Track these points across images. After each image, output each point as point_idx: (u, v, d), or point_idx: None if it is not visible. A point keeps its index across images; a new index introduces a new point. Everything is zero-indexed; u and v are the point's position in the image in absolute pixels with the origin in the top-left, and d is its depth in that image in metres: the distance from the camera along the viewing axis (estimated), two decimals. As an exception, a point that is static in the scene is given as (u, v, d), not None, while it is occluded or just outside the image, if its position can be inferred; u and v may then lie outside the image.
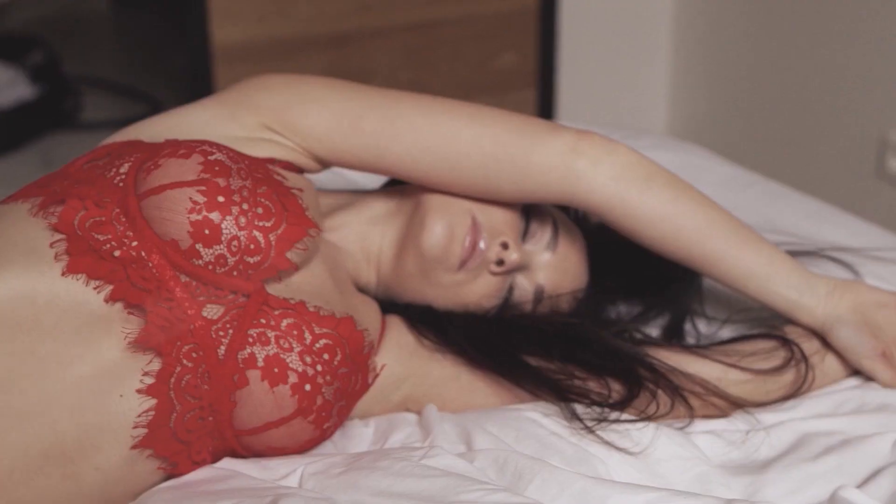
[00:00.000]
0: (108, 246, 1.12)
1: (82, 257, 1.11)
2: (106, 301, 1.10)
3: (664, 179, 1.30)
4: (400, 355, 1.32)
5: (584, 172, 1.29)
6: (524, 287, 1.37)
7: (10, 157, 3.36)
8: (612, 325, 1.39)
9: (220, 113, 1.30)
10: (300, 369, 1.14)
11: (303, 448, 1.21)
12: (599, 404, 1.26)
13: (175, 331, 1.11)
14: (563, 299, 1.38)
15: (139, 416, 1.10)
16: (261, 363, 1.13)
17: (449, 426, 1.26)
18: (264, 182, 1.19)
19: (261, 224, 1.15)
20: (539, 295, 1.37)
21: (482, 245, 1.33)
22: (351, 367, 1.20)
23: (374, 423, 1.31)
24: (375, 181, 1.58)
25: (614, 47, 3.23)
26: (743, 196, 1.75)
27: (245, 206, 1.15)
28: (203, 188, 1.13)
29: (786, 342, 1.32)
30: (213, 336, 1.13)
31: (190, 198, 1.13)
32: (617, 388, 1.28)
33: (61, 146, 3.43)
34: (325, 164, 1.36)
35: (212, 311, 1.13)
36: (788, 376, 1.31)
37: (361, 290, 1.39)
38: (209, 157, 1.17)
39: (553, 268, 1.38)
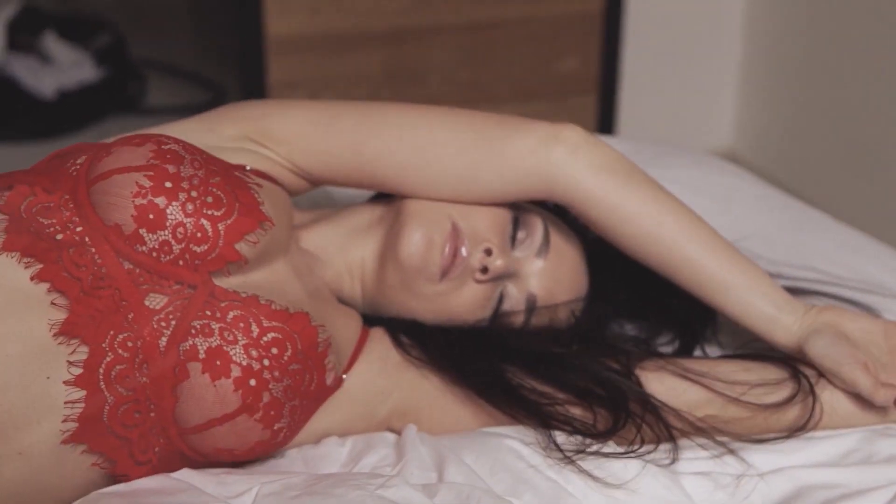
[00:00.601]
0: (52, 230, 1.10)
1: (20, 236, 1.08)
2: (32, 279, 1.07)
3: (644, 177, 1.27)
4: (384, 368, 1.27)
5: (563, 159, 1.25)
6: (514, 296, 1.30)
7: (69, 139, 3.34)
8: (609, 346, 1.30)
9: (198, 127, 1.30)
10: (244, 363, 1.09)
11: (254, 451, 1.15)
12: (582, 433, 1.19)
13: (107, 321, 1.07)
14: (559, 312, 1.31)
15: (67, 404, 1.06)
16: (202, 355, 1.09)
17: (425, 450, 1.20)
18: (219, 174, 1.16)
19: (209, 213, 1.12)
20: (531, 304, 1.30)
21: (464, 252, 1.27)
22: (304, 364, 1.14)
23: (352, 442, 1.25)
24: (361, 197, 1.52)
25: (680, 56, 3.15)
26: (774, 218, 1.66)
27: (194, 194, 1.12)
28: (151, 173, 1.11)
29: (796, 373, 1.22)
30: (155, 327, 1.09)
31: (136, 182, 1.11)
32: (603, 415, 1.20)
33: (121, 130, 3.37)
34: (305, 176, 1.32)
35: (154, 301, 1.10)
36: (793, 412, 1.22)
37: (346, 303, 1.34)
38: (162, 147, 1.14)
39: (545, 275, 1.31)
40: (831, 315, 1.24)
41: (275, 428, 1.13)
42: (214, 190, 1.14)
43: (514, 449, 1.19)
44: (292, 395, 1.14)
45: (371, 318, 1.33)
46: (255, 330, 1.11)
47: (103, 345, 1.07)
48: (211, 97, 3.56)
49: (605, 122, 3.04)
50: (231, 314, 1.11)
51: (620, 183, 1.25)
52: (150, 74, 3.68)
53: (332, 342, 1.19)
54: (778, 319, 1.24)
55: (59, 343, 1.06)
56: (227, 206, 1.14)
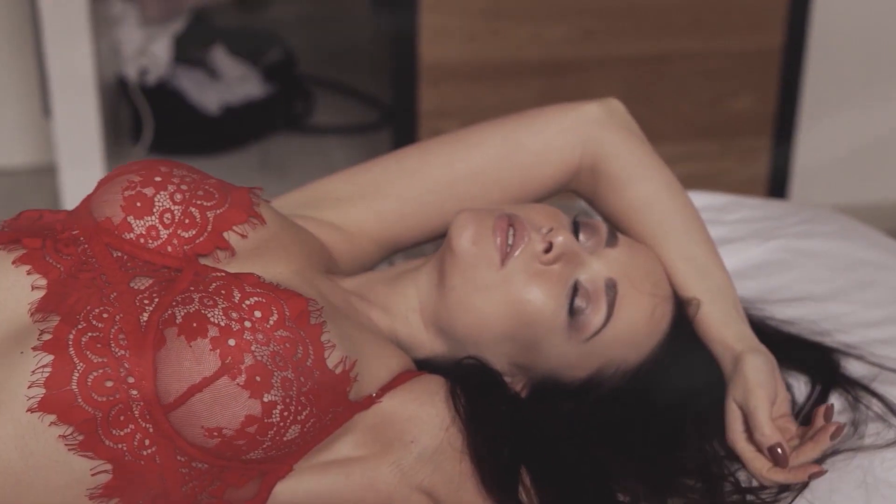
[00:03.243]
0: (48, 231, 1.12)
1: (15, 230, 1.12)
2: (14, 263, 1.08)
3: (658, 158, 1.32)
4: (430, 425, 1.13)
5: (598, 113, 1.32)
6: (591, 284, 1.17)
7: (231, 155, 3.33)
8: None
9: None
10: (223, 323, 1.03)
11: (248, 435, 1.03)
12: None
13: (86, 297, 1.06)
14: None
15: (35, 371, 1.02)
16: (179, 320, 1.03)
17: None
18: (215, 179, 1.18)
19: (199, 202, 1.14)
20: (612, 291, 1.17)
21: (522, 233, 1.17)
22: (293, 333, 1.05)
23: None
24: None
25: (865, 98, 2.93)
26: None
27: (184, 187, 1.14)
28: (143, 171, 1.15)
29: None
30: (137, 304, 1.06)
31: (127, 179, 1.14)
32: None
33: (281, 149, 3.38)
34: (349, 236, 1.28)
35: (139, 283, 1.08)
36: None
37: (406, 345, 1.23)
38: (165, 161, 1.18)
39: (620, 260, 1.19)
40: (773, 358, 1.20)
41: (265, 400, 1.02)
42: (207, 186, 1.15)
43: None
44: (282, 363, 1.04)
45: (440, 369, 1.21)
46: (237, 295, 1.06)
47: (78, 316, 1.04)
48: (378, 118, 3.49)
49: (779, 167, 2.84)
50: (214, 285, 1.07)
51: (642, 141, 1.31)
52: (318, 92, 3.64)
53: (355, 353, 1.11)
54: (737, 322, 1.22)
55: (36, 321, 1.05)
56: (218, 199, 1.15)
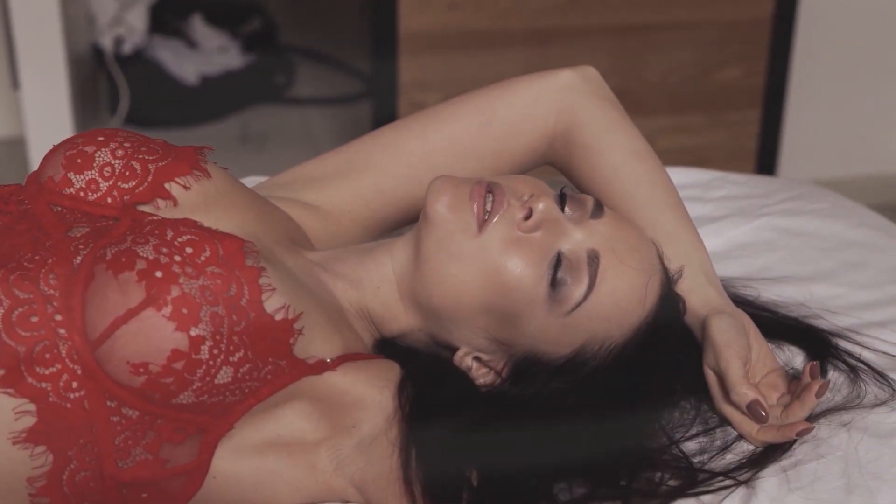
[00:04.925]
0: None
1: None
2: None
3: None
4: (374, 413, 1.08)
5: (573, 79, 1.30)
6: (573, 255, 1.11)
7: (208, 128, 3.26)
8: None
9: None
10: (151, 257, 1.02)
11: (176, 371, 0.99)
12: None
13: (20, 245, 1.05)
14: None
15: None
16: (109, 257, 1.02)
17: None
18: (162, 140, 1.17)
19: (141, 157, 1.14)
20: (594, 262, 1.11)
21: (501, 198, 1.12)
22: (226, 271, 1.03)
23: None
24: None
25: (856, 70, 2.88)
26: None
27: (127, 144, 1.14)
28: (87, 134, 1.15)
29: None
30: (72, 249, 1.05)
31: (70, 141, 1.15)
32: None
33: (261, 121, 3.31)
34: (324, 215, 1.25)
35: (77, 232, 1.08)
36: None
37: (387, 320, 1.18)
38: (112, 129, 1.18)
39: (605, 232, 1.13)
40: (747, 317, 1.20)
41: (192, 334, 0.99)
42: (151, 144, 1.15)
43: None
44: (212, 298, 1.01)
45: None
46: (170, 234, 1.05)
47: (10, 263, 1.03)
48: (361, 89, 3.43)
49: (768, 139, 2.80)
50: (148, 227, 1.06)
51: (618, 113, 1.30)
52: (299, 63, 3.57)
53: (303, 309, 1.07)
54: (704, 286, 1.21)
55: None
56: (161, 153, 1.14)
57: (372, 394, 1.08)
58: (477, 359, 1.14)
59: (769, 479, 1.09)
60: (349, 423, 1.07)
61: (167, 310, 0.99)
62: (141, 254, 1.01)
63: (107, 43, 3.13)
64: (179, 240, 1.03)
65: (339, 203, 1.30)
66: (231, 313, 1.01)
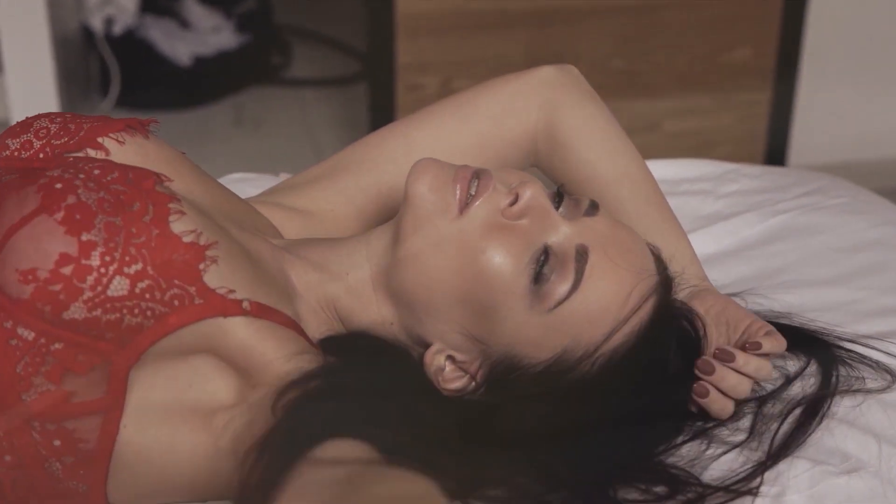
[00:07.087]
0: None
1: None
2: None
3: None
4: (268, 382, 1.01)
5: (553, 75, 1.31)
6: (560, 248, 1.05)
7: (202, 110, 3.20)
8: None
9: None
10: (55, 174, 1.02)
11: (59, 272, 0.96)
12: None
13: None
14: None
15: None
16: (15, 179, 1.04)
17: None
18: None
19: (78, 120, 1.14)
20: (582, 258, 1.04)
21: (485, 180, 1.08)
22: (132, 190, 1.03)
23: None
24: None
25: (869, 49, 2.82)
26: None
27: (67, 115, 1.15)
28: (39, 115, 1.16)
29: None
30: None
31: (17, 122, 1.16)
32: None
33: (256, 102, 3.24)
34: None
35: (5, 179, 1.06)
36: None
37: (355, 310, 1.12)
38: None
39: (597, 230, 1.07)
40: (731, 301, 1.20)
41: (83, 239, 0.97)
42: (95, 116, 1.16)
43: None
44: (111, 210, 1.00)
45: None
46: (82, 163, 1.06)
47: None
48: (357, 70, 3.35)
49: (779, 121, 2.76)
50: (68, 162, 1.07)
51: (599, 109, 1.30)
52: (295, 43, 3.50)
53: (231, 259, 1.04)
54: (686, 270, 1.19)
55: None
56: (100, 119, 1.15)
57: (276, 361, 1.02)
58: (451, 358, 1.07)
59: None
60: (252, 382, 1.02)
61: (59, 215, 0.98)
62: (47, 173, 1.02)
63: (97, 23, 3.08)
64: (89, 165, 1.04)
65: (320, 202, 1.27)
66: (130, 225, 0.99)
